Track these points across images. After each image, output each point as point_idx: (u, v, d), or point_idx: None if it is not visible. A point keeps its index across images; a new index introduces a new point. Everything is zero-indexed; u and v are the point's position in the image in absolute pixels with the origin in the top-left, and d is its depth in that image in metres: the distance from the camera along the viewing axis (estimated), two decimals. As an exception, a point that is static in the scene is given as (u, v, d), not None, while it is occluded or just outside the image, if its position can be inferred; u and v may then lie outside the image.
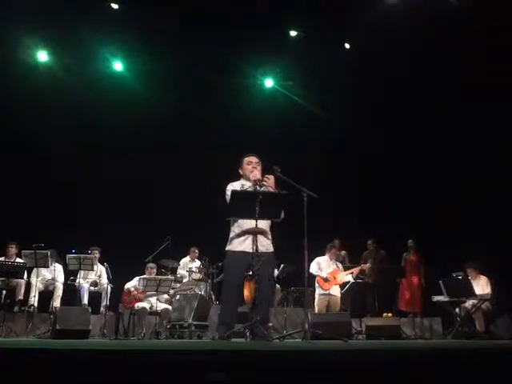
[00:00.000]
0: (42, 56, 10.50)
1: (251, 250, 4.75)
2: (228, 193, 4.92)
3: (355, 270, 8.73)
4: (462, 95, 9.67)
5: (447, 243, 9.19)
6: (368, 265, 8.94)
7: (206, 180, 9.32)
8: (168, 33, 9.71)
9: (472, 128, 9.65)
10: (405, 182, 10.13)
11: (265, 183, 4.89)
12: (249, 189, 4.90)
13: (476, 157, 9.73)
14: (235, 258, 4.87)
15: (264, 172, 5.04)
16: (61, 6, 9.16)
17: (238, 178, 5.19)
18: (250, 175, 4.98)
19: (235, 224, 4.94)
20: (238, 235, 4.88)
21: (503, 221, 8.94)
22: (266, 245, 4.84)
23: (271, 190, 4.87)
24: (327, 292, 8.36)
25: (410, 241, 9.67)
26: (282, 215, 4.80)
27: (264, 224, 4.86)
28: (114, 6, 9.86)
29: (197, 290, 8.81)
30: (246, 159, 5.12)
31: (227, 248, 4.98)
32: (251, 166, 5.05)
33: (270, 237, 4.96)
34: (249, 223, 4.82)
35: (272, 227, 5.01)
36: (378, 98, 10.36)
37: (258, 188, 4.88)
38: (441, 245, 9.29)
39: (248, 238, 4.83)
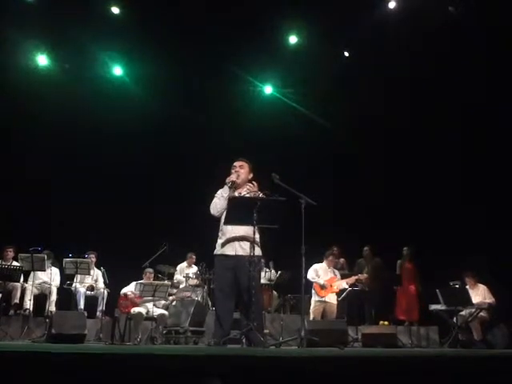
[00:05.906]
0: (42, 60, 10.49)
1: (232, 253, 4.80)
2: (217, 195, 4.97)
3: (351, 280, 8.68)
4: (463, 100, 9.69)
5: (445, 252, 9.18)
6: (365, 275, 8.91)
7: (204, 185, 9.31)
8: (168, 39, 9.73)
9: (471, 136, 9.71)
10: (404, 189, 10.14)
11: (249, 189, 4.91)
12: (233, 194, 4.91)
13: (477, 162, 9.75)
14: (219, 262, 4.92)
15: (256, 177, 5.05)
16: (61, 10, 9.19)
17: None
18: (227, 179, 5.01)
19: (220, 228, 4.97)
20: (221, 239, 4.92)
21: (502, 229, 8.95)
22: (246, 248, 4.78)
23: (257, 195, 4.87)
24: (323, 299, 8.32)
25: (405, 248, 9.64)
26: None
27: (245, 229, 4.80)
28: (115, 10, 9.87)
29: (193, 296, 8.78)
30: (232, 165, 5.16)
31: (214, 252, 5.02)
32: (234, 170, 5.09)
33: (255, 240, 4.76)
34: (230, 228, 4.85)
35: (262, 231, 4.96)
36: (377, 105, 10.38)
37: (233, 191, 4.92)
38: (439, 254, 9.26)
39: (229, 242, 4.86)
